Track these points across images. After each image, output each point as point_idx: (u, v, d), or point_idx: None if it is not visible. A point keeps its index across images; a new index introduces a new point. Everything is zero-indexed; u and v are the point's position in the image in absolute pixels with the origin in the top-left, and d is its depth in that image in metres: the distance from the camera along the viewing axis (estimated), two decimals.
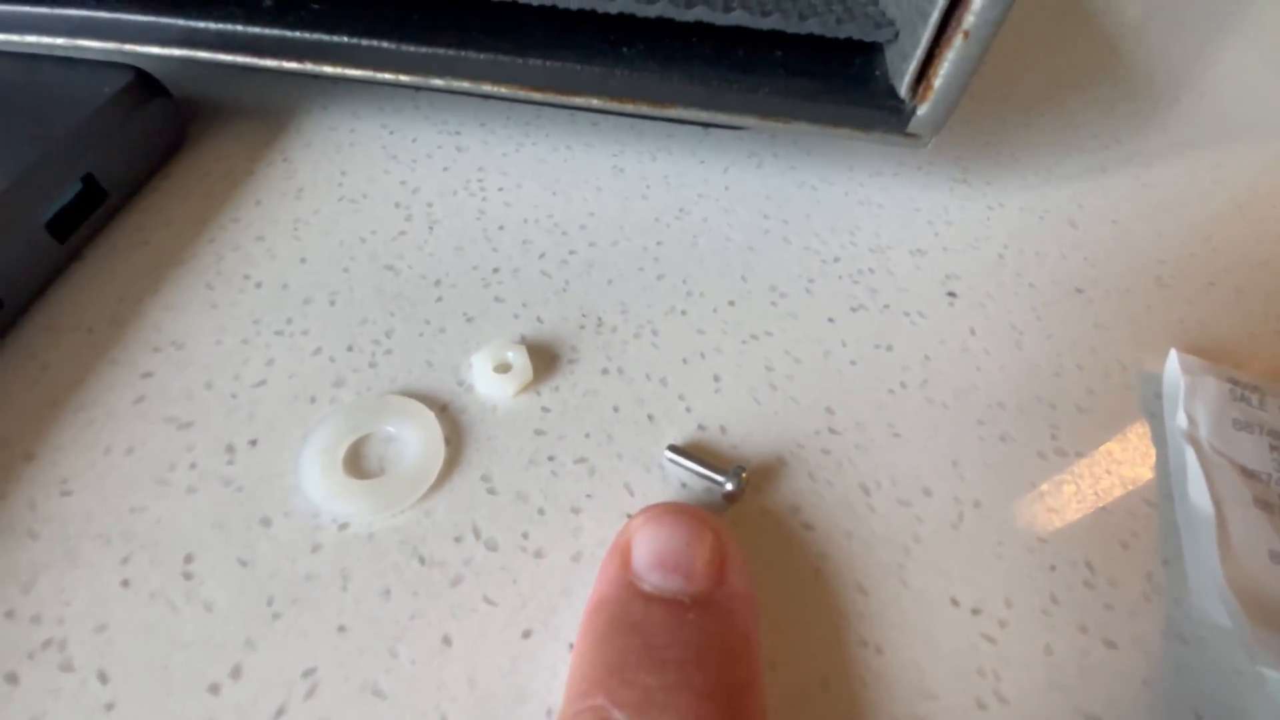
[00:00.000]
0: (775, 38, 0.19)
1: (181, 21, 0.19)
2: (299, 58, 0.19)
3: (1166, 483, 0.17)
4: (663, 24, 0.19)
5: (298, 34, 0.19)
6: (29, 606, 0.13)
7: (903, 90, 0.19)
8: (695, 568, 0.12)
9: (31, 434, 0.15)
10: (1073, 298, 0.21)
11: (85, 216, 0.19)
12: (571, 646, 0.13)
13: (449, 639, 0.13)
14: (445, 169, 0.22)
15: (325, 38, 0.19)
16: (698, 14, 0.19)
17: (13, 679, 0.12)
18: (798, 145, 0.24)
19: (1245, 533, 0.15)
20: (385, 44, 0.19)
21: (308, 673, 0.13)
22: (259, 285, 0.18)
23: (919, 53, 0.17)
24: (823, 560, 0.15)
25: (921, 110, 0.19)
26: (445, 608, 0.13)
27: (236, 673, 0.12)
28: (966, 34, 0.17)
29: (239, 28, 0.19)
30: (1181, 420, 0.17)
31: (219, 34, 0.19)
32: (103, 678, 0.12)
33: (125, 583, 0.13)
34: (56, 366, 0.16)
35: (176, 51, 0.19)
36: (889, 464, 0.16)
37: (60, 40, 0.20)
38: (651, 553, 0.12)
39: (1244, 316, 0.21)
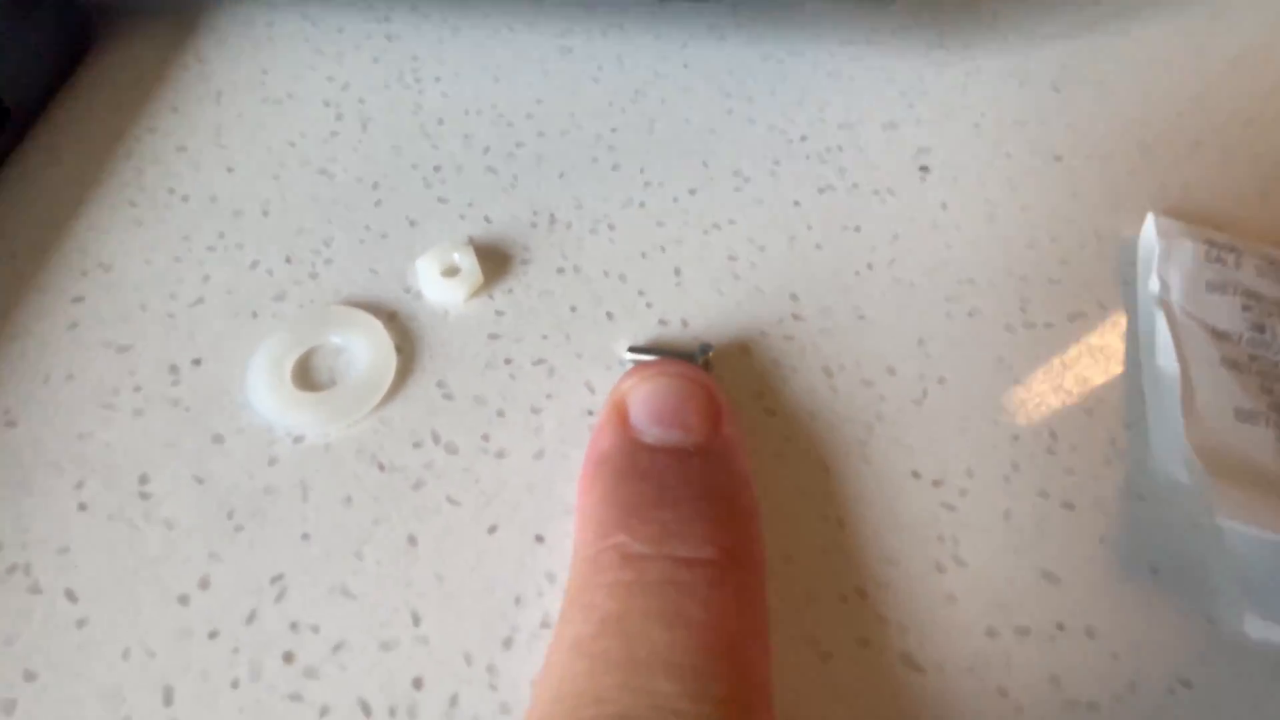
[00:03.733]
0: None
1: None
2: None
3: (1135, 350, 0.16)
4: None
5: None
6: None
7: None
8: (692, 420, 0.13)
9: None
10: (1051, 166, 0.20)
11: None
12: (539, 538, 0.13)
13: (414, 539, 0.13)
14: (376, 60, 0.20)
15: None
16: None
17: None
18: (762, 15, 0.22)
19: (1211, 391, 0.15)
20: None
21: (275, 579, 0.13)
22: (185, 199, 0.17)
23: None
24: (785, 443, 0.15)
25: None
26: (408, 510, 0.13)
27: (204, 583, 0.13)
28: None
29: None
30: (1154, 285, 0.17)
31: None
32: (71, 596, 0.12)
33: (82, 506, 0.13)
34: None
35: None
36: (853, 346, 0.16)
37: None
38: (649, 409, 0.13)
39: (1229, 178, 0.20)
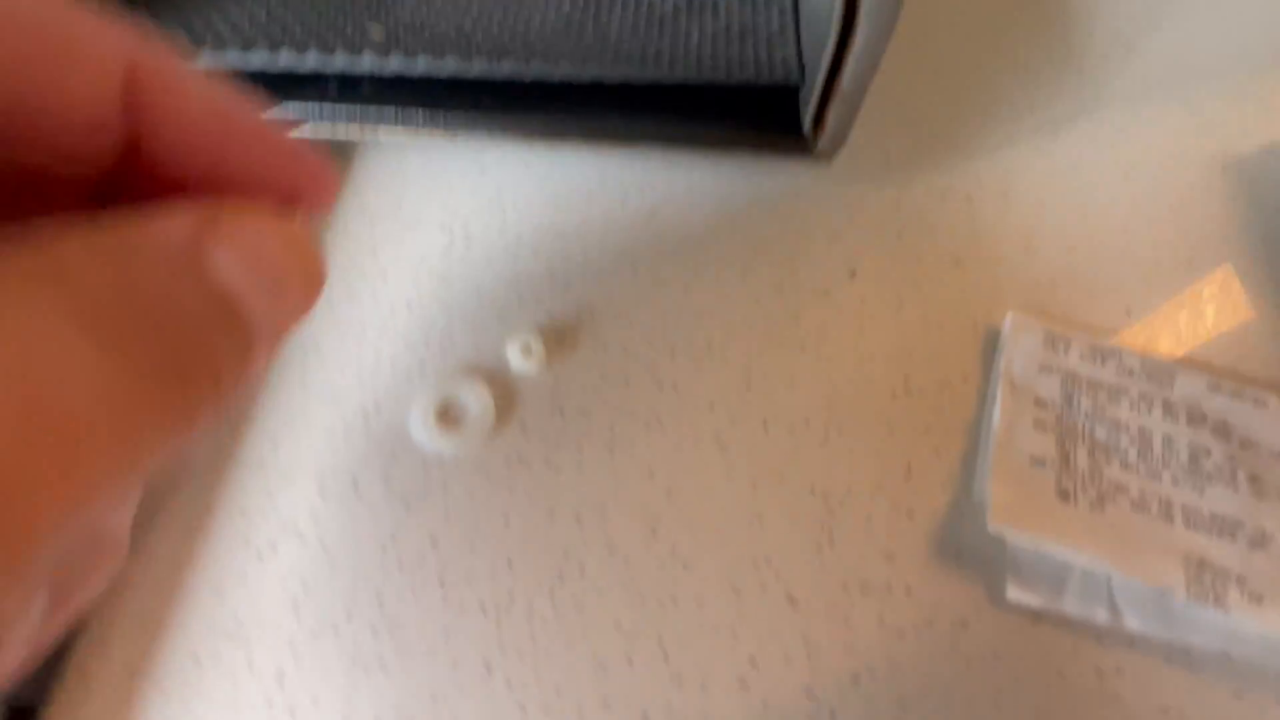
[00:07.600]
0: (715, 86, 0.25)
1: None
2: (361, 124, 0.27)
3: (980, 409, 0.24)
4: (630, 86, 0.26)
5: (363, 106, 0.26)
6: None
7: (805, 128, 0.25)
8: None
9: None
10: (952, 269, 0.27)
11: None
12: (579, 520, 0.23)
13: (506, 519, 0.23)
14: (473, 193, 0.30)
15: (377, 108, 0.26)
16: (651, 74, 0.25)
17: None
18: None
19: (1020, 443, 0.23)
20: (420, 110, 0.26)
21: (431, 541, 0.22)
22: (374, 297, 0.27)
23: (812, 108, 0.23)
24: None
25: (821, 142, 0.25)
26: (518, 499, 0.23)
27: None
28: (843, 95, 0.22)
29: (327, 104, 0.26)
30: (1002, 364, 0.24)
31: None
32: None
33: (350, 494, 0.23)
34: None
35: None
36: (784, 402, 0.24)
37: None
38: None
39: (1088, 279, 0.27)
